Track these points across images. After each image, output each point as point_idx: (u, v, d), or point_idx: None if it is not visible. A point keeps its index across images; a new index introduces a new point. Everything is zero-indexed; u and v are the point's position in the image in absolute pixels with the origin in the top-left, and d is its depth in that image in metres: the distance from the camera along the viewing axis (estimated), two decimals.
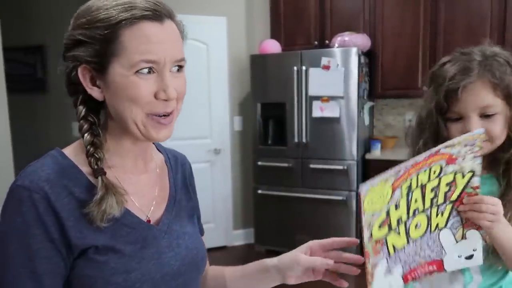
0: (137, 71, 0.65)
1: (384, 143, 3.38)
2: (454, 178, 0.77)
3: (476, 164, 0.77)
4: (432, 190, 0.76)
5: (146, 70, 0.65)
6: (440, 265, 0.80)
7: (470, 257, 0.80)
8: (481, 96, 0.83)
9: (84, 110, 0.70)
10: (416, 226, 0.76)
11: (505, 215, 0.78)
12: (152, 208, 0.76)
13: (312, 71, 3.10)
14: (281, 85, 3.23)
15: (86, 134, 0.70)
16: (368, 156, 3.21)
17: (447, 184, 0.77)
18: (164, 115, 0.69)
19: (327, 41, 3.38)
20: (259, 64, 3.31)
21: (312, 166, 3.19)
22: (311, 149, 3.20)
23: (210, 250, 3.54)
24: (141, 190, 0.75)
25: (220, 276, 0.89)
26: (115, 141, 0.73)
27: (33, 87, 3.54)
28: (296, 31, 3.54)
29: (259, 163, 3.37)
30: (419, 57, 3.18)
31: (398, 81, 3.27)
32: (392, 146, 3.44)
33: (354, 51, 2.99)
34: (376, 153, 3.23)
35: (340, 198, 3.12)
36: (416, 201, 0.75)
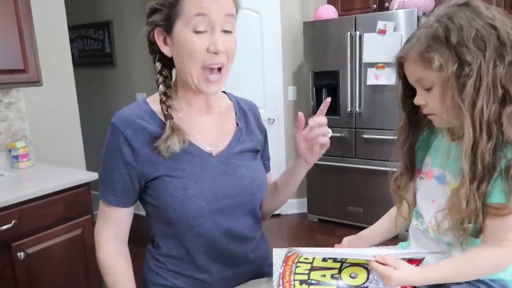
0: (194, 28, 0.80)
1: None
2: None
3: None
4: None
5: (200, 28, 0.80)
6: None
7: None
8: (412, 69, 0.77)
9: (160, 66, 0.89)
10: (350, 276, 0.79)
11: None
12: (212, 143, 0.93)
13: (367, 36, 2.94)
14: (334, 52, 3.13)
15: (161, 86, 0.89)
16: None
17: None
18: (216, 69, 0.83)
19: (386, 4, 3.17)
20: (311, 31, 3.22)
21: (365, 136, 3.09)
22: (365, 119, 3.09)
23: None
24: (204, 129, 0.93)
25: (272, 186, 1.06)
26: (183, 90, 0.91)
27: (102, 62, 3.82)
28: None
29: None
30: None
31: None
32: None
33: (413, 13, 2.78)
34: None
35: (393, 169, 2.99)
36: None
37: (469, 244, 0.76)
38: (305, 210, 3.64)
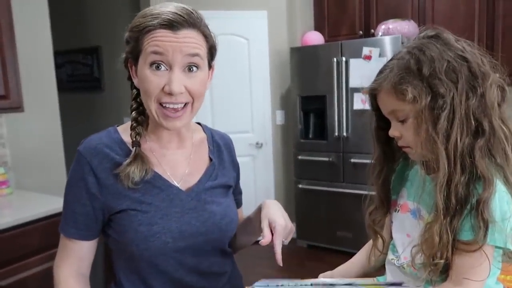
0: (151, 66, 0.77)
1: None
2: None
3: None
4: None
5: (156, 66, 0.77)
6: None
7: None
8: (385, 101, 0.76)
9: (136, 93, 0.88)
10: None
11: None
12: (183, 178, 0.89)
13: (353, 62, 2.98)
14: (321, 77, 3.16)
15: (133, 112, 0.87)
16: None
17: None
18: (173, 108, 0.79)
19: (372, 30, 3.23)
20: (299, 56, 3.26)
21: (353, 160, 3.08)
22: (352, 143, 3.08)
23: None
24: (174, 163, 0.89)
25: (245, 222, 1.01)
26: (153, 122, 0.87)
27: (91, 86, 3.82)
28: (340, 21, 3.43)
29: (300, 157, 3.33)
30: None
31: None
32: None
33: (397, 39, 2.82)
34: None
35: (370, 193, 2.98)
36: None
37: (440, 281, 0.74)
38: (294, 236, 3.58)
